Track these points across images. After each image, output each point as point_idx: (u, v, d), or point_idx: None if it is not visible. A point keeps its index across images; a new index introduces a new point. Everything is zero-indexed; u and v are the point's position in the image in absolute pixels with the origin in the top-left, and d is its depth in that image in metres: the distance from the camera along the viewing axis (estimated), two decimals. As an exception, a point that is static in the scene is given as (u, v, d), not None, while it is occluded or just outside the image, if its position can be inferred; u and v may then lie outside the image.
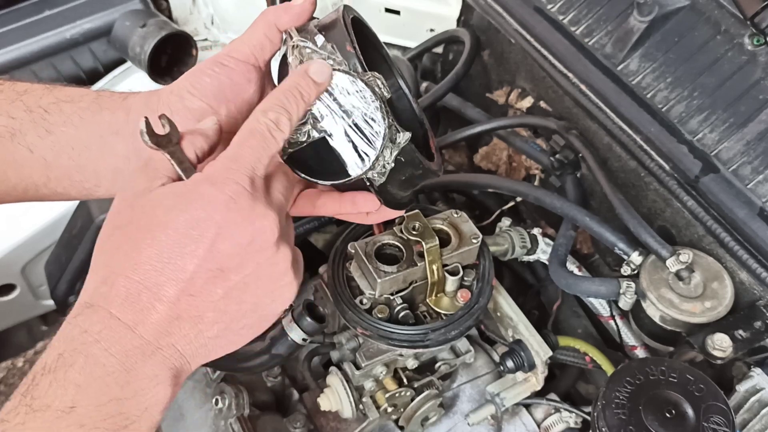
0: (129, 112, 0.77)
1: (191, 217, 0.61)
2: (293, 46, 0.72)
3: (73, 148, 0.76)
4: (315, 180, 0.74)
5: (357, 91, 0.69)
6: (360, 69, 0.70)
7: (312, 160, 0.73)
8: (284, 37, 0.76)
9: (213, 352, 0.66)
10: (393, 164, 0.73)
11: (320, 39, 0.72)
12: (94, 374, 0.58)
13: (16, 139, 0.74)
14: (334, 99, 0.70)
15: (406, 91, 0.89)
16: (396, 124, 0.72)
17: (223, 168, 0.63)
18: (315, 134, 0.71)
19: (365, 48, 0.79)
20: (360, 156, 0.71)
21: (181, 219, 0.61)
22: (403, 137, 0.72)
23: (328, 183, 0.74)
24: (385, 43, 1.91)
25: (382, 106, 0.69)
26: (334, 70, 0.69)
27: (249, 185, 0.63)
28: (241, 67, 0.77)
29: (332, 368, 1.02)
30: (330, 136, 0.70)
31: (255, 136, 0.65)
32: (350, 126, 0.70)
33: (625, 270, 1.12)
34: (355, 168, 0.71)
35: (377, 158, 0.70)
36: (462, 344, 1.08)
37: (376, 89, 0.70)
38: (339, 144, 0.70)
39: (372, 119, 0.69)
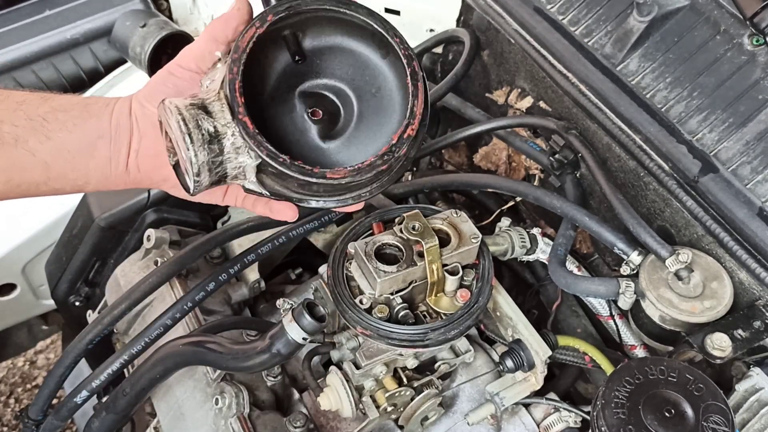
0: (111, 117, 0.86)
1: None
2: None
3: (69, 151, 0.84)
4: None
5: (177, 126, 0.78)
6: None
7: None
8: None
9: None
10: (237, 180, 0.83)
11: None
12: None
13: (20, 145, 0.82)
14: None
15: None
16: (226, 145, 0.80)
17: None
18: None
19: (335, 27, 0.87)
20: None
21: None
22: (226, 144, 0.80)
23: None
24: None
25: (188, 134, 0.78)
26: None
27: None
28: (187, 76, 0.87)
29: (332, 368, 1.02)
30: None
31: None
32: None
33: (625, 270, 1.12)
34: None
35: (192, 158, 0.78)
36: (461, 344, 1.08)
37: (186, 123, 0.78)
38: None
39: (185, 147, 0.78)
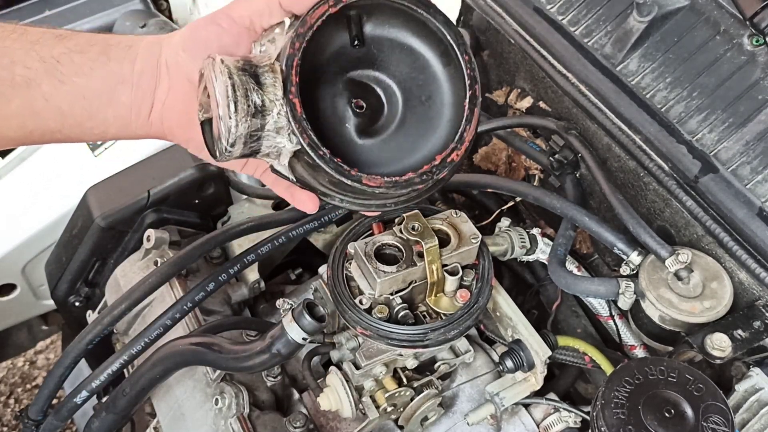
0: (134, 61, 0.80)
1: None
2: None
3: (85, 98, 0.78)
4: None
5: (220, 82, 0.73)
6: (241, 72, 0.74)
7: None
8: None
9: None
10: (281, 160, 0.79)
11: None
12: None
13: (32, 89, 0.76)
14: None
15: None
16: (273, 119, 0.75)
17: None
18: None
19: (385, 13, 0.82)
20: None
21: None
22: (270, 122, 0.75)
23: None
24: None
25: (234, 98, 0.73)
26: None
27: None
28: (234, 30, 0.79)
29: (332, 368, 1.02)
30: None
31: None
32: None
33: (625, 270, 1.12)
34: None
35: (232, 128, 0.73)
36: (461, 344, 1.08)
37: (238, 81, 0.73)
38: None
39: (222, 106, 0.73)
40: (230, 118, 0.73)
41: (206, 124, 0.78)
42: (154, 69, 0.80)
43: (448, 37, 0.81)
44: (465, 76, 0.82)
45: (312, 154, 0.75)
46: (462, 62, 0.82)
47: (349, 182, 0.77)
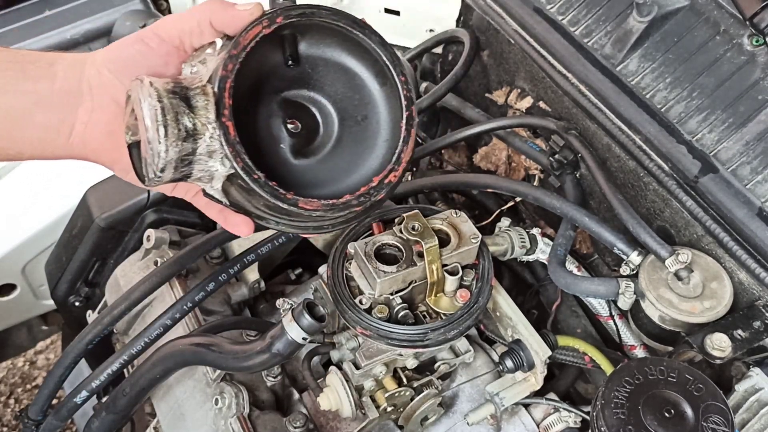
0: (54, 80, 0.76)
1: None
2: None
3: None
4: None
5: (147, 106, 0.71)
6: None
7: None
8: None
9: None
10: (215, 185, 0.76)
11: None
12: None
13: None
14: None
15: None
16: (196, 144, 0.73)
17: None
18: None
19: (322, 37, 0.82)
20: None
21: None
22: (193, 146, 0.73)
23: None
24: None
25: (163, 121, 0.71)
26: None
27: None
28: (163, 49, 0.77)
29: (332, 368, 1.02)
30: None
31: None
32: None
33: (624, 270, 1.12)
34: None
35: (162, 153, 0.71)
36: (461, 344, 1.08)
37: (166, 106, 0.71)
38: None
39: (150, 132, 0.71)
40: (159, 142, 0.70)
41: (134, 148, 0.76)
42: (76, 88, 0.76)
43: (384, 58, 0.81)
44: (401, 96, 0.81)
45: (246, 179, 0.73)
46: (398, 83, 0.81)
47: (285, 206, 0.75)
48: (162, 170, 0.72)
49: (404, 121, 0.81)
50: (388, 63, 0.81)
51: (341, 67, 0.84)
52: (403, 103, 0.81)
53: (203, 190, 0.78)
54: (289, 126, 0.83)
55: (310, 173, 0.84)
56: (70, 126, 0.77)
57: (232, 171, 0.74)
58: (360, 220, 1.06)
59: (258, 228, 0.86)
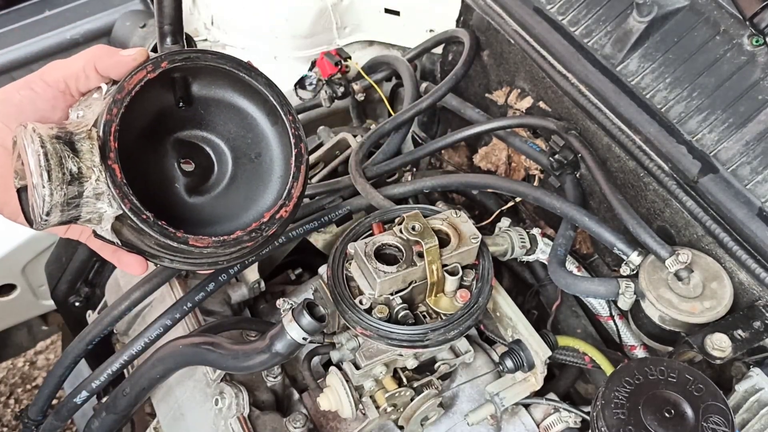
0: None
1: None
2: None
3: None
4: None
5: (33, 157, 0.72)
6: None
7: None
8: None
9: None
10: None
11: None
12: None
13: None
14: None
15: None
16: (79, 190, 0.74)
17: None
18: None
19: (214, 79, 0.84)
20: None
21: None
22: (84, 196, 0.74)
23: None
24: (385, 44, 1.90)
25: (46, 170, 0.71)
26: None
27: None
28: (49, 93, 0.78)
29: (332, 368, 1.02)
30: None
31: None
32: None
33: (624, 270, 1.12)
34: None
35: (46, 197, 0.72)
36: (461, 344, 1.08)
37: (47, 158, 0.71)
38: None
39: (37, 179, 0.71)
40: (44, 186, 0.71)
41: (22, 192, 0.77)
42: None
43: (271, 98, 0.83)
44: (289, 135, 0.84)
45: (135, 219, 0.75)
46: (286, 121, 0.84)
47: (175, 244, 0.77)
48: (48, 213, 0.72)
49: (293, 158, 0.84)
50: (276, 103, 0.83)
51: (233, 107, 0.87)
52: (292, 141, 0.84)
53: (94, 232, 0.79)
54: (183, 165, 0.86)
55: (206, 211, 0.86)
56: None
57: (121, 212, 0.75)
58: (360, 221, 1.06)
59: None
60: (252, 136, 0.88)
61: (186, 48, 0.82)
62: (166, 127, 0.85)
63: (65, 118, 0.80)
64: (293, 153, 0.84)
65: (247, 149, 0.89)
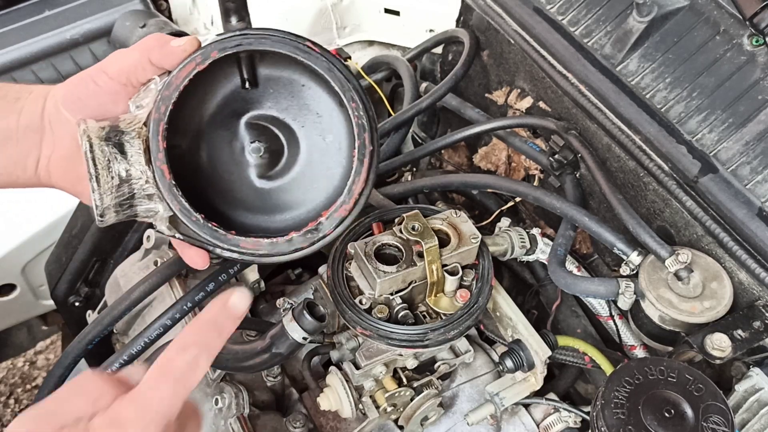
0: (19, 116, 0.78)
1: None
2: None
3: None
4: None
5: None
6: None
7: None
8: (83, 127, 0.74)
9: None
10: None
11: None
12: None
13: None
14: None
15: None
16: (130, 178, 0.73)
17: (133, 416, 0.56)
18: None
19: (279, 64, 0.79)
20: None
21: None
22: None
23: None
24: (385, 44, 1.90)
25: (93, 165, 0.71)
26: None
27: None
28: (111, 87, 0.77)
29: (332, 368, 1.02)
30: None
31: (172, 377, 0.58)
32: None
33: (624, 270, 1.12)
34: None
35: (97, 201, 0.72)
36: (461, 344, 1.08)
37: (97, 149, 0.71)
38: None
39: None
40: (93, 191, 0.71)
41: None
42: (39, 124, 0.78)
43: (332, 83, 0.77)
44: (352, 123, 0.77)
45: (184, 221, 0.73)
46: (349, 108, 0.77)
47: (226, 246, 0.74)
48: (101, 215, 0.72)
49: (356, 150, 0.77)
50: (337, 89, 0.77)
51: (301, 87, 0.82)
52: (355, 130, 0.76)
53: (153, 226, 0.78)
54: (253, 148, 0.82)
55: (274, 196, 0.83)
56: (36, 159, 0.78)
57: (171, 213, 0.74)
58: (361, 220, 1.06)
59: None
60: (322, 118, 0.82)
61: (246, 28, 0.77)
62: (233, 110, 0.81)
63: (126, 110, 0.79)
64: (356, 144, 0.76)
65: (318, 132, 0.82)
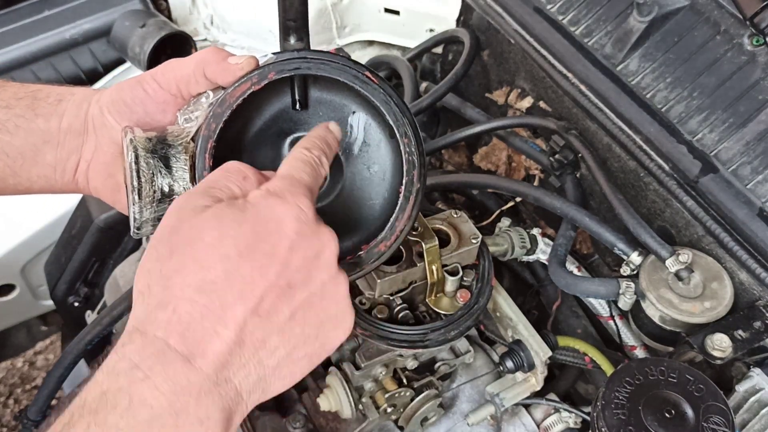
0: (62, 118, 0.77)
1: (262, 230, 0.60)
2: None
3: (8, 155, 0.76)
4: None
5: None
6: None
7: None
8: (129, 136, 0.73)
9: (270, 388, 0.61)
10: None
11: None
12: (138, 417, 0.53)
13: None
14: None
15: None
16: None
17: (286, 185, 0.63)
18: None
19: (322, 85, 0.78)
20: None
21: (251, 232, 0.59)
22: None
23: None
24: (385, 44, 1.90)
25: (136, 171, 0.70)
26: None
27: (311, 203, 0.63)
28: (160, 96, 0.76)
29: (332, 368, 1.02)
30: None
31: (309, 165, 0.67)
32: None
33: (625, 270, 1.12)
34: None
35: (136, 214, 0.71)
36: (461, 344, 1.08)
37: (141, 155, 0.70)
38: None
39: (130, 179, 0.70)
40: (134, 203, 0.70)
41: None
42: (82, 127, 0.77)
43: (387, 117, 0.75)
44: (403, 159, 0.75)
45: None
46: (401, 143, 0.75)
47: None
48: (138, 228, 0.71)
49: (403, 187, 0.75)
50: (391, 122, 0.75)
51: (351, 113, 0.81)
52: (405, 166, 0.75)
53: None
54: None
55: None
56: (75, 163, 0.78)
57: None
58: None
59: None
60: (369, 147, 0.81)
61: (305, 50, 0.76)
62: (281, 128, 0.80)
63: (174, 121, 0.78)
64: (404, 180, 0.74)
65: (364, 161, 0.81)
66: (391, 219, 0.75)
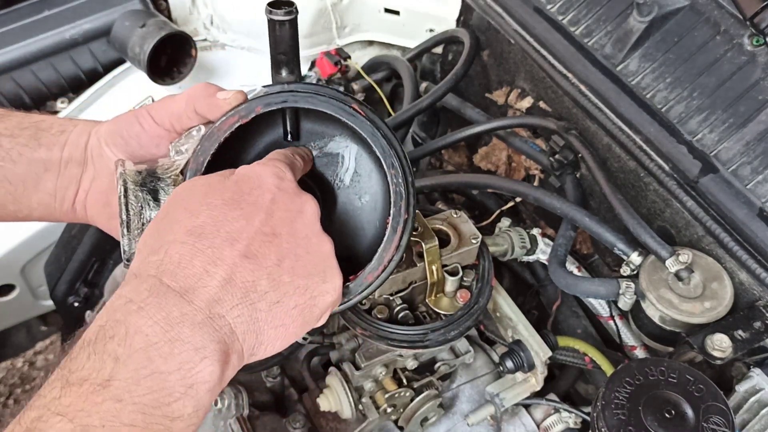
0: (63, 148, 0.80)
1: (245, 185, 0.66)
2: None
3: (11, 182, 0.78)
4: None
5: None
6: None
7: None
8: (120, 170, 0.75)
9: (264, 336, 0.63)
10: None
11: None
12: (134, 345, 0.55)
13: None
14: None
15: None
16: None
17: (265, 160, 0.71)
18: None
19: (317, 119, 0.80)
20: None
21: (235, 186, 0.65)
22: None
23: None
24: (385, 44, 1.90)
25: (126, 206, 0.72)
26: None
27: (291, 173, 0.69)
28: (154, 131, 0.79)
29: (332, 368, 1.02)
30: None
31: (281, 154, 0.73)
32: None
33: (625, 270, 1.12)
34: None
35: (125, 246, 0.72)
36: (461, 344, 1.08)
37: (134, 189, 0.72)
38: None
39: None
40: (123, 235, 0.71)
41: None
42: (81, 157, 0.80)
43: (374, 148, 0.75)
44: (390, 189, 0.75)
45: None
46: (388, 175, 0.75)
47: None
48: (128, 259, 0.72)
49: (390, 218, 0.75)
50: (378, 153, 0.75)
51: (345, 147, 0.81)
52: (392, 197, 0.75)
53: None
54: None
55: None
56: (74, 192, 0.80)
57: None
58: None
59: None
60: (361, 178, 0.81)
61: (294, 82, 0.77)
62: None
63: (167, 153, 0.80)
64: (391, 212, 0.75)
65: (356, 190, 0.82)
66: (379, 250, 0.75)
